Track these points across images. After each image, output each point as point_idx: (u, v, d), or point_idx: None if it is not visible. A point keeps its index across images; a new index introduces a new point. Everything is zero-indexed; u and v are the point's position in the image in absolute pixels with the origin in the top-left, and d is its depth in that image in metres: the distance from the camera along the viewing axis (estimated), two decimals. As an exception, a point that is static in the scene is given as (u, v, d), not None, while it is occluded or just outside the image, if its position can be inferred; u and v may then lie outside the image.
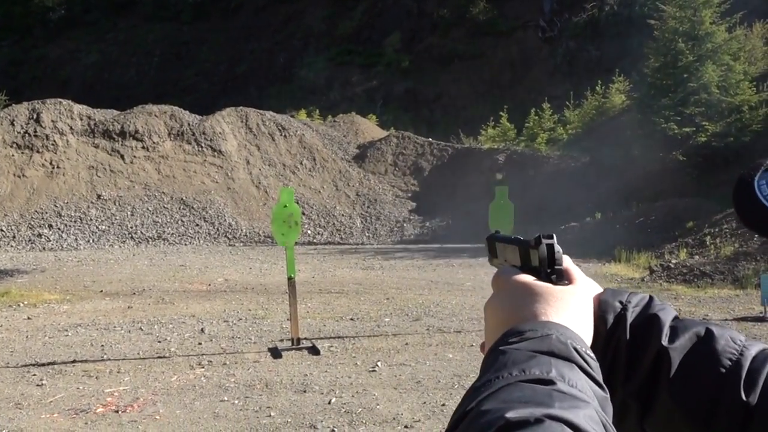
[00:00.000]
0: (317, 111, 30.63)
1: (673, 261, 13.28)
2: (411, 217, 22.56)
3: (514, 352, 0.56)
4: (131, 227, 20.17)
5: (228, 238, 20.47)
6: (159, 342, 7.72)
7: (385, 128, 28.75)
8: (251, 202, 22.15)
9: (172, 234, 20.24)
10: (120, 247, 19.18)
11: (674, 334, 0.68)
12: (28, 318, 9.24)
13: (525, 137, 26.19)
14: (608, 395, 0.55)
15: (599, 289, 0.71)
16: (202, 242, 20.07)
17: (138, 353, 7.20)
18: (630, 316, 0.69)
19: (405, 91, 34.40)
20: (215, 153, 23.34)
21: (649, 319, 0.69)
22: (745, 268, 11.84)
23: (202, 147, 23.34)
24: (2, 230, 19.19)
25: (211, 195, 21.98)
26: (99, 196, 20.99)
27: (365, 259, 16.49)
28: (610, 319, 0.69)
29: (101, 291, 11.57)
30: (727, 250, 13.02)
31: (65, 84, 39.03)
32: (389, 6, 39.38)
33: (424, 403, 5.38)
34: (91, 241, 19.37)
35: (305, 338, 7.58)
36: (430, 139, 25.95)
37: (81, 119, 22.72)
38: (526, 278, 0.68)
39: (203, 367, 6.58)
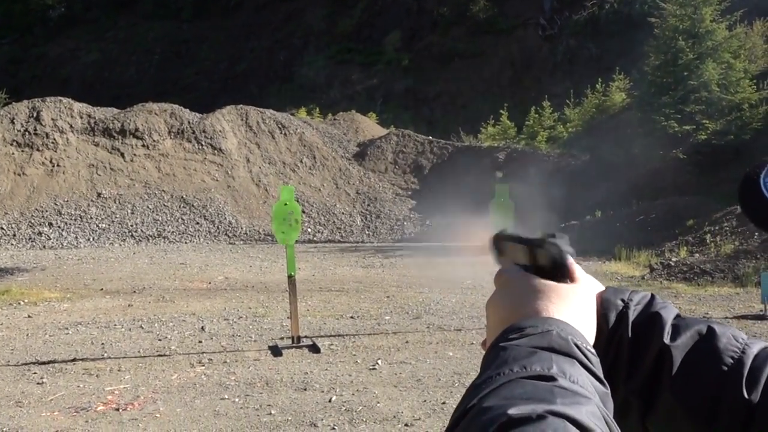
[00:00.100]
0: (317, 109, 30.61)
1: (674, 259, 13.29)
2: (411, 215, 22.56)
3: (514, 348, 0.55)
4: (131, 225, 20.17)
5: (228, 236, 20.47)
6: (159, 340, 7.72)
7: (386, 126, 28.74)
8: (251, 200, 22.15)
9: (173, 232, 20.24)
10: (120, 245, 19.18)
11: (676, 332, 0.68)
12: (29, 316, 9.24)
13: (525, 135, 26.17)
14: (609, 391, 0.55)
15: (601, 288, 0.72)
16: (202, 240, 20.07)
17: (138, 351, 7.21)
18: (632, 314, 0.69)
19: (405, 89, 34.38)
20: (215, 151, 23.33)
21: (651, 317, 0.69)
22: (745, 266, 11.84)
23: (202, 145, 23.33)
24: (2, 228, 19.19)
25: (212, 193, 21.98)
26: (99, 195, 20.99)
27: (365, 257, 16.49)
28: (612, 317, 0.69)
29: (101, 289, 11.57)
30: (728, 248, 13.02)
31: (65, 82, 39.01)
32: (389, 4, 39.35)
33: (425, 401, 5.38)
34: (91, 239, 19.37)
35: (305, 336, 7.58)
36: (431, 137, 25.93)
37: (81, 117, 22.71)
38: (529, 275, 0.68)
39: (203, 366, 6.58)
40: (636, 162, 20.02)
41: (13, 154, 21.27)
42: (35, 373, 6.41)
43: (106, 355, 7.08)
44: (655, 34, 21.03)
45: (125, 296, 10.83)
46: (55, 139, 21.84)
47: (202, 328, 8.32)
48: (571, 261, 0.70)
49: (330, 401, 5.40)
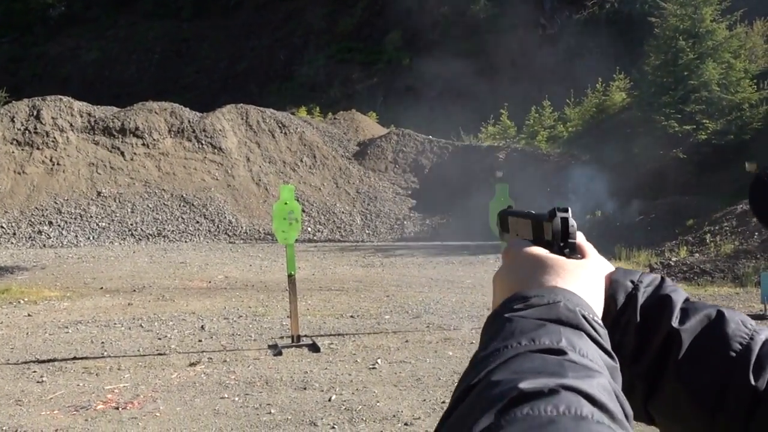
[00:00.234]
0: (317, 108, 30.60)
1: (674, 259, 13.29)
2: (411, 215, 22.56)
3: (521, 320, 0.54)
4: (131, 224, 20.17)
5: (228, 235, 20.48)
6: (159, 339, 7.73)
7: (386, 126, 28.73)
8: (251, 200, 22.15)
9: (173, 231, 20.24)
10: (120, 244, 19.18)
11: (685, 315, 0.67)
12: (29, 315, 9.24)
13: (525, 135, 26.18)
14: (618, 364, 0.54)
15: (611, 268, 0.71)
16: (202, 239, 20.08)
17: (138, 350, 7.21)
18: (641, 297, 0.68)
19: (405, 89, 34.36)
20: (215, 150, 23.33)
21: (660, 299, 0.68)
22: (745, 266, 11.84)
23: (202, 144, 23.33)
24: (2, 227, 19.19)
25: (212, 192, 21.98)
26: (99, 193, 20.99)
27: (365, 257, 16.50)
28: (621, 298, 0.68)
29: (101, 288, 11.58)
30: (728, 248, 13.02)
31: (65, 81, 39.00)
32: (390, 3, 39.31)
33: (424, 400, 5.38)
34: (91, 238, 19.37)
35: (305, 335, 7.58)
36: (431, 137, 25.92)
37: (81, 116, 22.71)
38: (538, 250, 0.68)
39: (203, 364, 6.58)
40: (636, 162, 20.03)
41: (13, 152, 21.27)
42: (35, 371, 6.41)
43: (105, 353, 7.08)
44: (656, 34, 21.02)
45: (125, 295, 10.83)
46: (55, 138, 21.84)
47: (202, 327, 8.32)
48: (581, 236, 0.70)
49: (330, 400, 5.40)
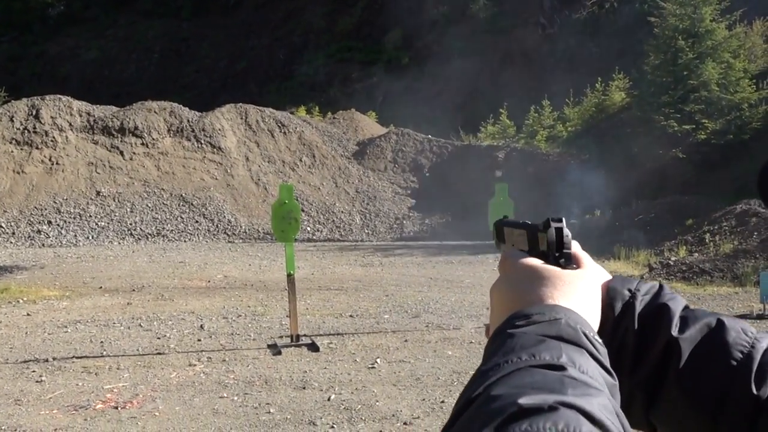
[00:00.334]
0: (317, 108, 30.60)
1: (673, 258, 13.29)
2: (410, 214, 22.56)
3: (522, 335, 0.54)
4: (130, 224, 20.16)
5: (227, 234, 20.47)
6: (158, 338, 7.72)
7: (385, 125, 28.73)
8: (250, 199, 22.15)
9: (172, 230, 20.23)
10: (119, 243, 19.17)
11: (684, 324, 0.67)
12: (28, 314, 9.24)
13: (525, 134, 26.18)
14: (617, 382, 0.54)
15: (608, 276, 0.70)
16: (201, 239, 20.07)
17: (137, 350, 7.20)
18: (639, 305, 0.68)
19: (405, 88, 34.35)
20: (215, 149, 23.33)
21: (658, 308, 0.68)
22: (744, 265, 11.84)
23: (201, 143, 23.32)
24: (2, 226, 19.18)
25: (211, 192, 21.97)
26: (98, 193, 20.98)
27: (364, 256, 16.49)
28: (618, 306, 0.67)
29: (100, 287, 11.57)
30: (727, 248, 13.03)
31: (65, 80, 38.97)
32: (389, 2, 39.30)
33: (424, 399, 5.38)
34: (90, 237, 19.36)
35: (304, 335, 7.58)
36: (430, 136, 25.92)
37: (80, 115, 22.69)
38: (534, 261, 0.67)
39: (202, 364, 6.58)
40: (635, 161, 20.04)
41: (12, 152, 21.26)
42: (34, 371, 6.41)
43: (105, 353, 7.08)
44: (655, 34, 21.04)
45: (124, 294, 10.83)
46: (54, 138, 21.83)
47: (201, 326, 8.32)
48: (576, 246, 0.69)
49: (329, 400, 5.40)
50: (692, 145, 19.22)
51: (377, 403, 5.29)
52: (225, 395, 5.57)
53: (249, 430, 4.79)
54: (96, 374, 6.27)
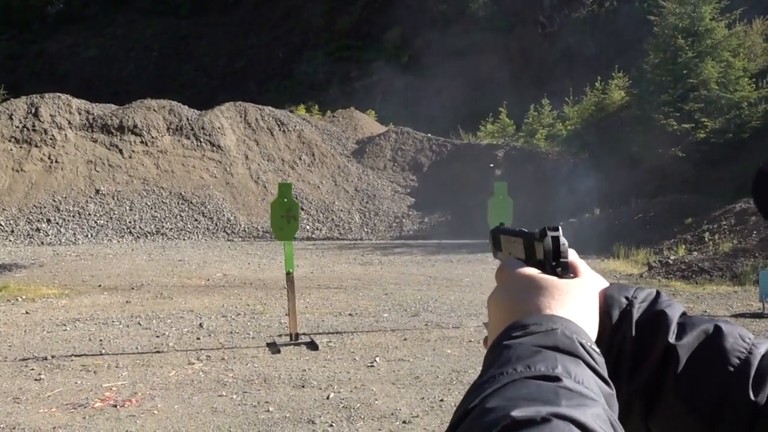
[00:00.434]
0: (316, 106, 30.60)
1: (672, 257, 13.29)
2: (410, 213, 22.56)
3: (518, 346, 0.54)
4: (130, 222, 20.15)
5: (226, 233, 20.46)
6: (157, 337, 7.72)
7: (384, 124, 28.72)
8: (250, 197, 22.14)
9: (171, 229, 20.22)
10: (118, 241, 19.16)
11: (682, 331, 0.67)
12: (27, 312, 9.23)
13: (524, 133, 26.18)
14: (614, 392, 0.53)
15: (605, 284, 0.70)
16: (200, 237, 20.06)
17: (136, 348, 7.20)
18: (636, 312, 0.68)
19: (404, 87, 34.33)
20: (214, 148, 23.31)
21: (656, 315, 0.68)
22: (743, 264, 11.84)
23: (200, 142, 23.31)
24: (1, 225, 19.17)
25: (210, 190, 21.96)
26: (97, 191, 20.97)
27: (364, 255, 16.49)
28: (616, 314, 0.67)
29: (99, 286, 11.56)
30: (726, 247, 13.03)
31: (64, 78, 38.94)
32: (389, 1, 39.29)
33: (423, 398, 5.38)
34: (89, 235, 19.35)
35: (304, 333, 7.58)
36: (429, 135, 25.92)
37: (79, 114, 22.67)
38: (531, 271, 0.67)
39: (201, 362, 6.58)
40: (635, 160, 20.03)
41: (11, 150, 21.24)
42: (33, 369, 6.40)
43: (103, 351, 7.07)
44: (655, 32, 21.03)
45: (123, 293, 10.82)
46: (53, 136, 21.81)
47: (200, 324, 8.32)
48: (573, 254, 0.69)
49: (328, 398, 5.40)
50: (692, 144, 19.22)
51: (376, 402, 5.29)
52: (224, 394, 5.57)
53: (248, 429, 4.78)
54: (95, 372, 6.26)
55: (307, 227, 20.94)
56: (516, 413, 0.44)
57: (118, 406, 5.29)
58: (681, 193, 17.68)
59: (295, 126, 25.26)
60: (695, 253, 13.42)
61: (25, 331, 8.11)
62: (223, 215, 21.08)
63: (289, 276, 7.38)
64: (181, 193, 21.54)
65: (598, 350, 0.56)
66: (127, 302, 9.95)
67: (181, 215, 20.83)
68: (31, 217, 19.60)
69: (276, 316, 8.77)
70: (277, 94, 35.31)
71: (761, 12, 23.34)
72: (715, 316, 8.45)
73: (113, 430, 4.81)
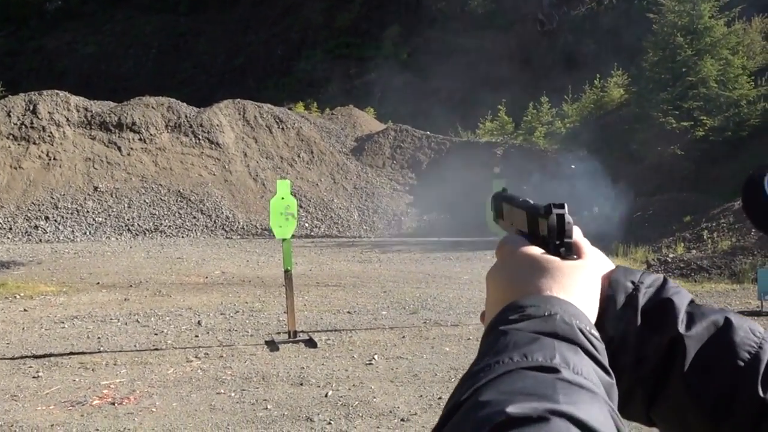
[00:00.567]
0: (315, 104, 30.55)
1: (671, 255, 13.30)
2: (408, 211, 22.55)
3: (515, 333, 0.52)
4: (128, 219, 20.13)
5: (225, 230, 20.45)
6: (155, 334, 7.71)
7: (383, 121, 28.70)
8: (248, 195, 22.12)
9: (169, 226, 20.20)
10: (117, 239, 19.14)
11: (691, 320, 0.64)
12: (25, 310, 9.22)
13: (523, 131, 26.15)
14: (614, 381, 0.52)
15: (610, 266, 0.68)
16: (199, 235, 20.05)
17: (134, 345, 7.19)
18: (642, 298, 0.65)
19: (403, 84, 34.31)
20: (212, 145, 23.28)
21: (663, 302, 0.65)
22: (742, 262, 11.86)
23: (199, 139, 23.28)
24: (-1, 222, 19.14)
25: (209, 187, 21.94)
26: (96, 188, 20.94)
27: (362, 252, 16.48)
28: (621, 299, 0.65)
29: (98, 283, 11.55)
30: (725, 245, 13.04)
31: (62, 75, 38.87)
32: (388, -2, 39.26)
33: (421, 396, 5.37)
34: (87, 233, 19.33)
35: (302, 331, 7.57)
36: (428, 133, 25.90)
37: (78, 111, 22.63)
38: (533, 250, 0.64)
39: (200, 360, 6.57)
40: (633, 158, 20.03)
41: (9, 147, 21.20)
42: (31, 366, 6.39)
43: (102, 349, 7.06)
44: (654, 30, 21.01)
45: (121, 290, 10.81)
46: (51, 133, 21.77)
47: (199, 322, 8.31)
48: (578, 234, 0.66)
49: (326, 396, 5.39)
50: (691, 142, 19.21)
51: (374, 400, 5.28)
52: (222, 391, 5.56)
53: (246, 426, 4.78)
54: (93, 370, 6.25)
55: (306, 225, 20.93)
56: (511, 409, 0.42)
57: (116, 404, 5.29)
58: (680, 191, 17.68)
59: (294, 123, 25.23)
60: (694, 251, 13.43)
61: (23, 328, 8.10)
62: (222, 213, 21.07)
63: (288, 274, 7.37)
64: (179, 191, 21.52)
65: (598, 335, 0.54)
66: (125, 300, 9.94)
67: (179, 213, 20.81)
68: (29, 215, 19.57)
69: (274, 314, 8.76)
70: (276, 92, 35.27)
71: (760, 10, 23.33)
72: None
73: (111, 427, 4.80)
